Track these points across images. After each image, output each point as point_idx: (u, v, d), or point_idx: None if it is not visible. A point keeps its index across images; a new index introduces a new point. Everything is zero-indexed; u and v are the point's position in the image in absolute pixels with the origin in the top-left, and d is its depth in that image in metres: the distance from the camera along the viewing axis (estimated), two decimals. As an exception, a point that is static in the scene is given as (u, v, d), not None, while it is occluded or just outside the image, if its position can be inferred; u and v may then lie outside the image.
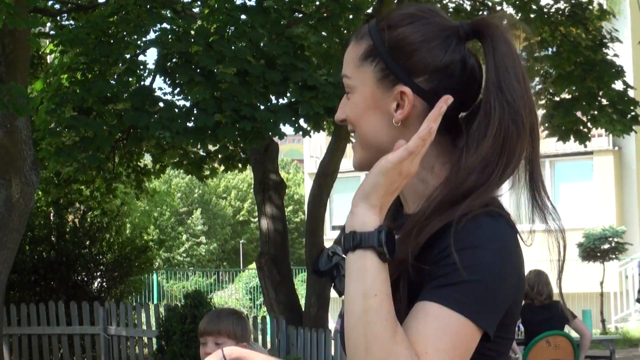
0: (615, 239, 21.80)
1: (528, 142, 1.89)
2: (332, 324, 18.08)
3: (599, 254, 21.48)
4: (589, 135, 14.79)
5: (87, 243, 16.97)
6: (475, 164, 1.84)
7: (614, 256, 21.93)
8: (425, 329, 1.73)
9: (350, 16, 12.43)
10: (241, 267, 42.95)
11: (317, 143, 30.30)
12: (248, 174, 44.00)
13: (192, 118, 10.73)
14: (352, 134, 2.02)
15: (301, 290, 18.36)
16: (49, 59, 16.48)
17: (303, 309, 14.31)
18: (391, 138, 1.90)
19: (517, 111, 1.86)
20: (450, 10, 15.56)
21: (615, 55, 15.14)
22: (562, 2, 15.07)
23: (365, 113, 1.95)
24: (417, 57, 1.91)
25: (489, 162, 1.85)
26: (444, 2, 16.22)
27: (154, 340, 13.47)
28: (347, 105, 1.99)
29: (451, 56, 1.92)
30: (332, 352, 12.40)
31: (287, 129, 11.71)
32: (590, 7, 15.32)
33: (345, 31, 12.56)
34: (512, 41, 1.92)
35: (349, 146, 14.74)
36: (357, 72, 1.96)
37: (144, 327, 14.32)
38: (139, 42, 11.63)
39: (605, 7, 15.89)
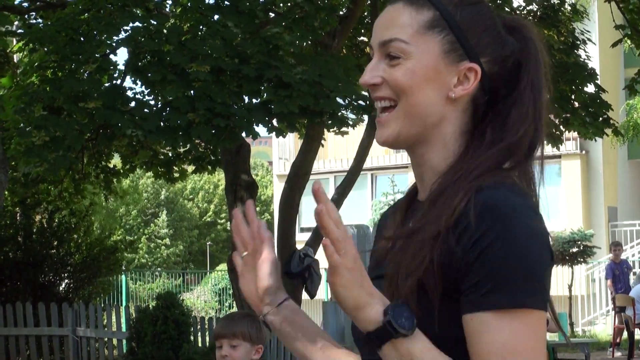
0: (584, 243, 21.89)
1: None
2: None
3: (567, 258, 21.54)
4: (562, 138, 14.84)
5: (55, 243, 16.82)
6: (502, 149, 1.90)
7: (582, 259, 22.01)
8: (494, 343, 1.73)
9: (325, 17, 12.33)
10: (208, 269, 42.79)
11: (287, 145, 30.25)
12: (216, 174, 43.94)
13: (165, 117, 10.62)
14: (381, 102, 1.95)
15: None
16: (15, 57, 16.28)
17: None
18: (438, 113, 1.92)
19: (540, 112, 1.93)
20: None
21: (588, 57, 15.20)
22: (534, 4, 15.10)
23: (422, 82, 1.90)
24: (487, 38, 1.94)
25: (512, 151, 1.90)
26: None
27: (124, 342, 13.34)
28: (395, 70, 1.92)
29: (512, 47, 1.96)
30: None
31: (260, 129, 11.61)
32: (563, 9, 15.36)
33: (319, 31, 12.45)
34: (542, 48, 2.00)
35: (320, 148, 14.65)
36: (419, 38, 1.92)
37: (114, 328, 14.18)
38: (110, 41, 11.50)
39: (577, 6, 15.90)
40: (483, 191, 1.78)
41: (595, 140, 15.73)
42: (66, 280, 17.02)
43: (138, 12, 11.96)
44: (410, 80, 1.90)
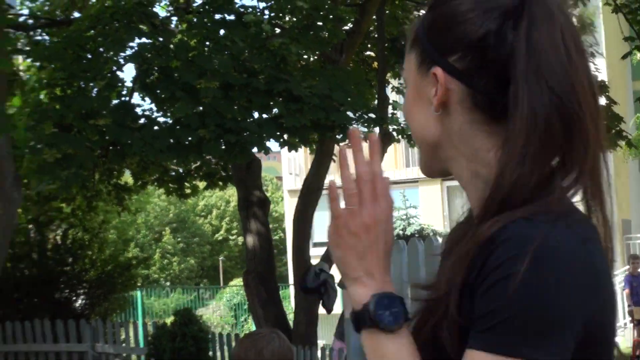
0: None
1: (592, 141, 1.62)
2: (321, 342, 17.96)
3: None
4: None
5: (70, 260, 16.86)
6: (511, 169, 1.57)
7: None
8: None
9: (331, 27, 12.30)
10: (222, 284, 42.70)
11: (296, 160, 30.20)
12: (227, 191, 43.84)
13: (175, 134, 10.59)
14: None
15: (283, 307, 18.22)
16: (22, 75, 16.33)
17: (291, 326, 14.17)
18: (435, 130, 1.71)
19: (560, 100, 1.57)
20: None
21: (597, 69, 15.17)
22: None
23: (412, 106, 1.75)
24: (449, 33, 1.67)
25: (531, 164, 1.57)
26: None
27: (143, 358, 13.32)
28: None
29: (486, 28, 1.63)
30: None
31: (271, 144, 11.55)
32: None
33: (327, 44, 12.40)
34: (562, 13, 1.63)
35: (332, 164, 14.62)
36: (406, 63, 1.78)
37: (132, 344, 14.18)
38: (117, 58, 11.48)
39: (584, 18, 15.85)
40: (523, 220, 1.52)
41: (610, 152, 15.68)
42: (82, 297, 17.04)
43: (144, 28, 11.94)
44: (405, 109, 1.79)
